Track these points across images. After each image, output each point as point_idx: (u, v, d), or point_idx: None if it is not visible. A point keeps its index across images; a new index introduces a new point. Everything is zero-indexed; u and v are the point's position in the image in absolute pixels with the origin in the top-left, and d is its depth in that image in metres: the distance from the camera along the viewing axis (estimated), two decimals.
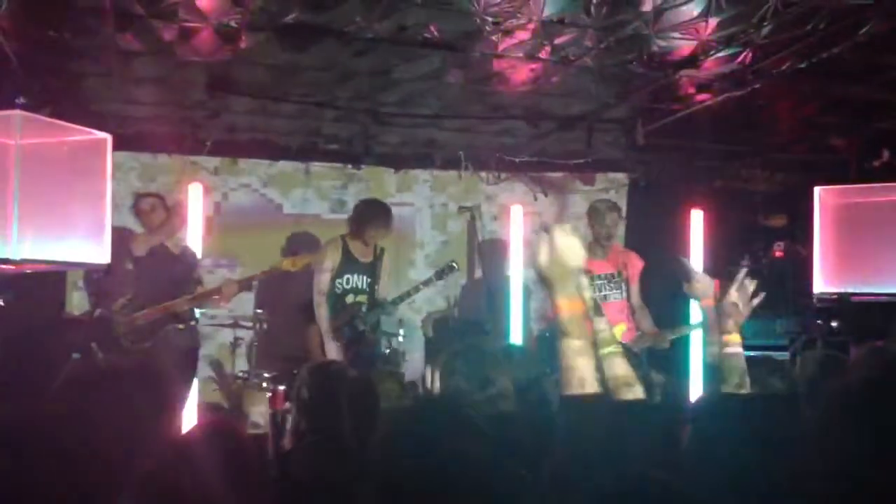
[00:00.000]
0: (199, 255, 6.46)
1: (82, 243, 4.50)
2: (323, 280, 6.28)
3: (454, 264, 6.67)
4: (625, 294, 6.20)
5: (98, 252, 4.59)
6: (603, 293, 6.06)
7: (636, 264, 6.32)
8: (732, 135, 6.81)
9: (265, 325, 6.38)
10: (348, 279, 6.36)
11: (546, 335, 7.04)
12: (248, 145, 7.19)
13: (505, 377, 2.70)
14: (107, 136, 4.72)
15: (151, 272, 5.86)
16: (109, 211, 4.58)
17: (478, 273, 7.64)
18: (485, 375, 2.69)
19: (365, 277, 6.39)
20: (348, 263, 6.36)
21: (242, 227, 7.28)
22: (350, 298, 6.36)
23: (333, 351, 6.17)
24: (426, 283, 6.63)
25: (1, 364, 4.73)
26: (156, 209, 6.04)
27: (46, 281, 6.31)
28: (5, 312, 4.80)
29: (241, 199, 7.40)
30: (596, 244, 6.18)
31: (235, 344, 6.61)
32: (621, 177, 8.03)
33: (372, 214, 6.37)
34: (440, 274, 6.65)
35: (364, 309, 6.36)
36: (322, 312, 6.24)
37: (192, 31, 4.59)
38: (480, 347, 2.94)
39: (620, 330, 5.87)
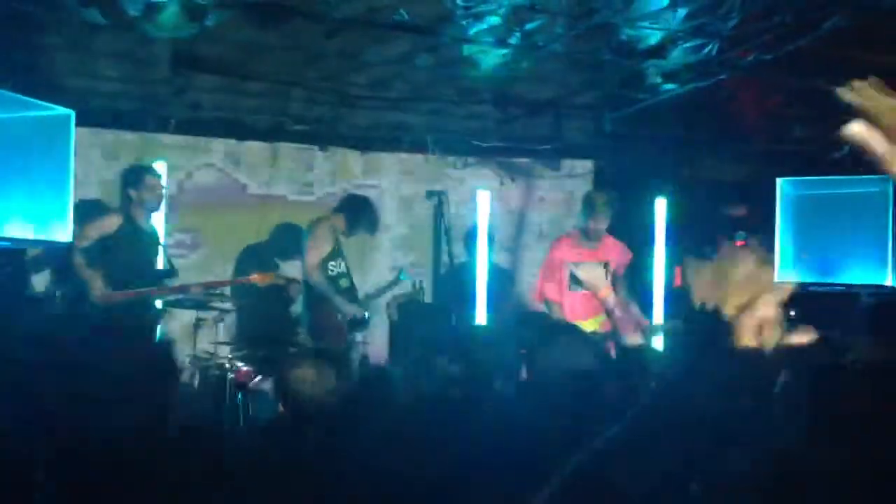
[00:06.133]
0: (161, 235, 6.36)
1: (45, 220, 4.42)
2: (319, 258, 6.36)
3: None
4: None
5: (61, 230, 4.52)
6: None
7: (621, 257, 6.26)
8: (698, 124, 6.88)
9: (232, 306, 6.35)
10: (336, 264, 6.50)
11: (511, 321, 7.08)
12: (213, 124, 7.09)
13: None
14: (70, 112, 4.63)
15: (127, 251, 5.73)
16: (73, 188, 4.50)
17: (444, 257, 7.64)
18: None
19: (343, 262, 6.57)
20: (337, 248, 6.50)
21: (206, 207, 7.20)
22: (344, 283, 6.53)
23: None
24: (392, 284, 7.12)
25: None
26: (157, 188, 5.92)
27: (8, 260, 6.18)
28: None
29: (206, 178, 7.29)
30: (583, 234, 6.17)
31: (197, 325, 6.53)
32: (587, 163, 8.06)
33: (367, 219, 6.63)
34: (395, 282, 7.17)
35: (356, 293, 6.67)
36: (330, 290, 6.35)
37: (158, 7, 4.53)
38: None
39: (598, 321, 5.78)
